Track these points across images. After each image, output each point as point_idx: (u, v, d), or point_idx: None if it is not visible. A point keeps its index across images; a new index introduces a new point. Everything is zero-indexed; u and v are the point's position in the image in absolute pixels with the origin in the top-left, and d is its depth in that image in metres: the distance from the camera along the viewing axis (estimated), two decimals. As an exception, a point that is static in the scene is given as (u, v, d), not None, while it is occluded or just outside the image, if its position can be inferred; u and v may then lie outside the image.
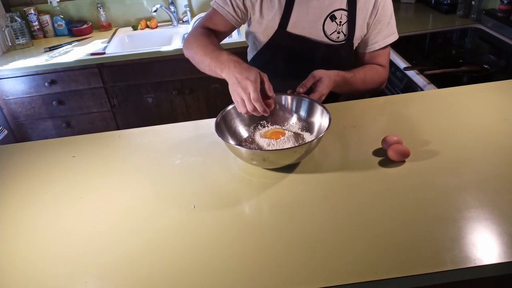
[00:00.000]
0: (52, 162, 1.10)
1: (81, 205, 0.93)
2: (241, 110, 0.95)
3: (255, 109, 0.93)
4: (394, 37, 1.25)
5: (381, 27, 1.21)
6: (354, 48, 1.25)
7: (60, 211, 0.92)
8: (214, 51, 1.07)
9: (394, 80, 1.79)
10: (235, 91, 0.94)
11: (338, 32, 1.17)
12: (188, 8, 2.54)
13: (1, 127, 1.53)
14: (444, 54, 1.71)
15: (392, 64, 1.81)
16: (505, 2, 1.88)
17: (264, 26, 1.21)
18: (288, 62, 1.24)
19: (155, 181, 0.99)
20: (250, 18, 1.24)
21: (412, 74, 1.62)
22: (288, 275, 0.70)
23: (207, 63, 1.07)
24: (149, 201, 0.92)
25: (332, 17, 1.15)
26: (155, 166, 1.04)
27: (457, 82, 1.40)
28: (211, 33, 1.19)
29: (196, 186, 0.96)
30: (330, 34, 1.18)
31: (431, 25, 2.16)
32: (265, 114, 0.94)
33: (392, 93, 1.79)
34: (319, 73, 1.09)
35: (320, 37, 1.18)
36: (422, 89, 1.53)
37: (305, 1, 1.15)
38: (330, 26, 1.17)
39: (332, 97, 1.27)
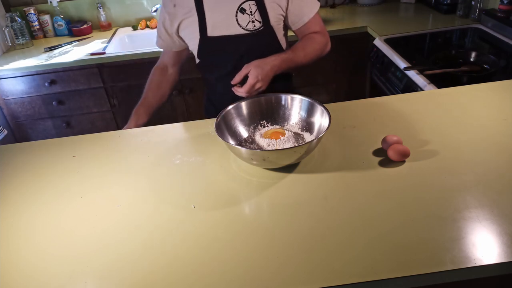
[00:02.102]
0: (52, 162, 1.10)
1: (81, 205, 0.93)
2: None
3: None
4: (317, 5, 1.31)
5: (299, 2, 1.26)
6: (282, 30, 1.31)
7: (60, 211, 0.92)
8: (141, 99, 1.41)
9: (394, 80, 1.79)
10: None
11: (253, 21, 1.23)
12: (188, 8, 2.54)
13: (1, 127, 1.53)
14: (444, 54, 1.71)
15: (392, 64, 1.82)
16: (505, 2, 1.88)
17: (190, 40, 1.29)
18: (225, 63, 1.30)
19: (155, 181, 0.99)
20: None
21: (412, 74, 1.62)
22: (288, 275, 0.70)
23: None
24: (149, 201, 0.92)
25: (242, 10, 1.22)
26: (155, 166, 1.04)
27: (457, 82, 1.40)
28: (152, 80, 1.44)
29: (196, 186, 0.96)
30: (246, 26, 1.23)
31: (431, 25, 2.16)
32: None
33: (392, 93, 1.79)
34: (249, 65, 1.15)
35: (238, 31, 1.24)
36: (422, 89, 1.53)
37: (213, 4, 1.22)
38: (243, 19, 1.23)
39: (284, 78, 1.34)
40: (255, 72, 1.12)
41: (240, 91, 1.13)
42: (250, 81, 1.12)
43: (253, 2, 1.22)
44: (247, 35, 1.24)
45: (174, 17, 1.26)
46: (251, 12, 1.22)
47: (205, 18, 1.23)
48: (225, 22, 1.23)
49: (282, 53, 1.22)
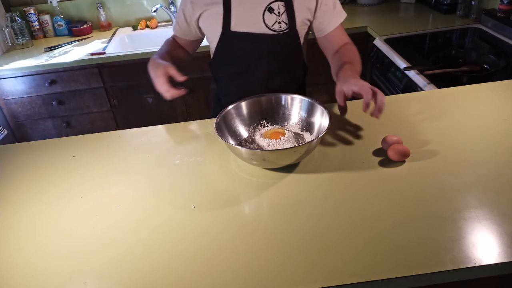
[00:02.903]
0: (52, 162, 1.10)
1: (81, 205, 0.93)
2: (166, 97, 1.12)
3: (173, 95, 1.11)
4: (343, 15, 1.29)
5: (327, 9, 1.25)
6: (304, 36, 1.29)
7: (60, 211, 0.92)
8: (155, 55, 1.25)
9: (394, 80, 1.79)
10: (156, 85, 1.13)
11: (279, 22, 1.22)
12: (188, 8, 2.54)
13: (1, 127, 1.53)
14: (444, 54, 1.71)
15: (392, 64, 1.82)
16: (505, 2, 1.88)
17: (211, 31, 1.27)
18: (242, 60, 1.29)
19: (155, 181, 0.99)
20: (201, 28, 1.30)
21: (412, 74, 1.62)
22: (288, 275, 0.71)
23: None
24: (149, 201, 0.92)
25: (270, 9, 1.20)
26: (155, 166, 1.04)
27: (457, 82, 1.40)
28: (169, 43, 1.35)
29: (196, 186, 0.96)
30: (272, 25, 1.22)
31: (431, 25, 2.16)
32: (182, 93, 1.11)
33: (392, 93, 1.79)
34: (347, 85, 1.00)
35: (263, 30, 1.22)
36: (422, 89, 1.53)
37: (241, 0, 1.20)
38: (270, 18, 1.21)
39: (299, 76, 1.37)
40: (363, 83, 0.98)
41: (378, 108, 0.95)
42: (377, 91, 0.96)
43: (282, 3, 1.20)
44: (270, 36, 1.22)
45: (197, 5, 1.23)
46: (279, 12, 1.20)
47: (230, 11, 1.20)
48: (251, 19, 1.21)
49: (348, 67, 1.11)
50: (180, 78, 1.10)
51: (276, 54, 1.25)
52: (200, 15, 1.24)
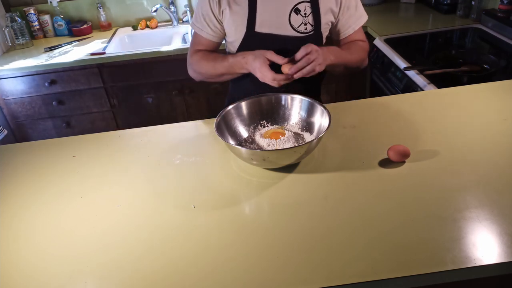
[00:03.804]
0: (52, 162, 1.10)
1: (81, 205, 0.93)
2: (274, 86, 1.11)
3: (280, 81, 1.08)
4: (365, 17, 1.27)
5: (350, 12, 1.23)
6: (325, 37, 1.27)
7: (60, 211, 0.92)
8: (222, 61, 1.21)
9: (394, 80, 1.79)
10: (259, 77, 1.12)
11: (305, 24, 1.20)
12: (188, 8, 2.54)
13: (1, 127, 1.52)
14: (444, 54, 1.71)
15: (392, 64, 1.81)
16: (505, 2, 1.88)
17: (234, 31, 1.24)
18: None
19: (155, 181, 0.99)
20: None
21: (412, 74, 1.62)
22: (288, 275, 0.71)
23: (224, 72, 1.23)
24: (149, 201, 0.92)
25: (296, 11, 1.18)
26: (155, 166, 1.04)
27: (457, 82, 1.40)
28: (206, 52, 1.29)
29: (196, 186, 0.96)
30: (298, 27, 1.20)
31: (431, 25, 2.16)
32: (292, 78, 1.08)
33: (392, 93, 1.79)
34: (307, 45, 1.07)
35: (288, 31, 1.20)
36: (422, 89, 1.53)
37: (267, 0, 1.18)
38: (296, 19, 1.19)
39: (316, 86, 1.37)
40: (317, 48, 1.05)
41: (293, 68, 1.04)
42: (311, 57, 1.04)
43: (309, 4, 1.18)
44: (296, 38, 1.20)
45: (222, 1, 1.19)
46: (305, 14, 1.18)
47: (256, 11, 1.18)
48: (276, 20, 1.19)
49: (337, 47, 1.18)
50: (281, 61, 1.09)
51: None
52: (223, 12, 1.21)
